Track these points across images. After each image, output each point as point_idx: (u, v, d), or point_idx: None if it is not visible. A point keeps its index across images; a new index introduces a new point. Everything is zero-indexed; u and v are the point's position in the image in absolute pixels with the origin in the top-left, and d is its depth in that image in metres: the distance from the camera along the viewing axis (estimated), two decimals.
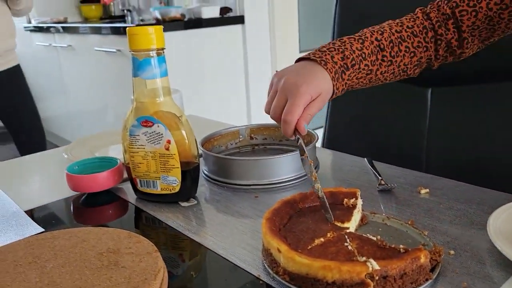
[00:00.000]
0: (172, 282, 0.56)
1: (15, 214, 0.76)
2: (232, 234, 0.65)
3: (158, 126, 0.72)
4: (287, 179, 0.80)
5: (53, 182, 0.91)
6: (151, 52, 0.70)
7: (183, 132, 0.73)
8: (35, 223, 0.72)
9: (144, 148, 0.74)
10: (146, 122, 0.73)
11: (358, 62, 0.71)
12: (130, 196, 0.80)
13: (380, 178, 0.78)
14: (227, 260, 0.59)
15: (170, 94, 0.75)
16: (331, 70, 0.69)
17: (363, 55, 0.72)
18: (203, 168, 0.87)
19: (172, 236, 0.67)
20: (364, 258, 0.51)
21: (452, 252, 0.57)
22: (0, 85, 2.06)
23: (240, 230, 0.66)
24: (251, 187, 0.79)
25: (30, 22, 3.71)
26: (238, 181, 0.80)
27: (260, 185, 0.79)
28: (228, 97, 2.86)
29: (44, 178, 0.96)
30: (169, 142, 0.72)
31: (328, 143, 1.21)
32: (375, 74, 0.74)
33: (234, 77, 2.87)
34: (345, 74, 0.70)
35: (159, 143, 0.73)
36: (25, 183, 0.92)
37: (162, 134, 0.72)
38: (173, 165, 0.73)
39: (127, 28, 0.71)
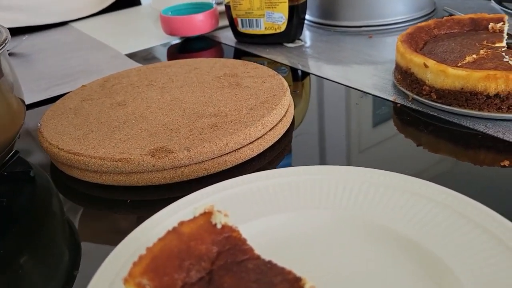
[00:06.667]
0: (296, 111, 0.51)
1: (115, 56, 0.73)
2: (354, 67, 0.59)
3: None
4: (404, 19, 0.71)
5: (148, 30, 0.87)
6: None
7: None
8: (136, 62, 0.69)
9: None
10: None
11: None
12: (229, 41, 0.75)
13: None
14: (355, 89, 0.54)
15: None
16: None
17: None
18: None
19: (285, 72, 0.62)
20: None
21: None
22: None
23: (363, 63, 0.60)
24: (363, 28, 0.71)
25: None
26: (346, 22, 0.72)
27: (373, 26, 0.71)
28: None
29: (137, 28, 0.91)
30: None
31: None
32: None
33: None
34: None
35: None
36: (120, 33, 0.88)
37: None
38: None
39: None
